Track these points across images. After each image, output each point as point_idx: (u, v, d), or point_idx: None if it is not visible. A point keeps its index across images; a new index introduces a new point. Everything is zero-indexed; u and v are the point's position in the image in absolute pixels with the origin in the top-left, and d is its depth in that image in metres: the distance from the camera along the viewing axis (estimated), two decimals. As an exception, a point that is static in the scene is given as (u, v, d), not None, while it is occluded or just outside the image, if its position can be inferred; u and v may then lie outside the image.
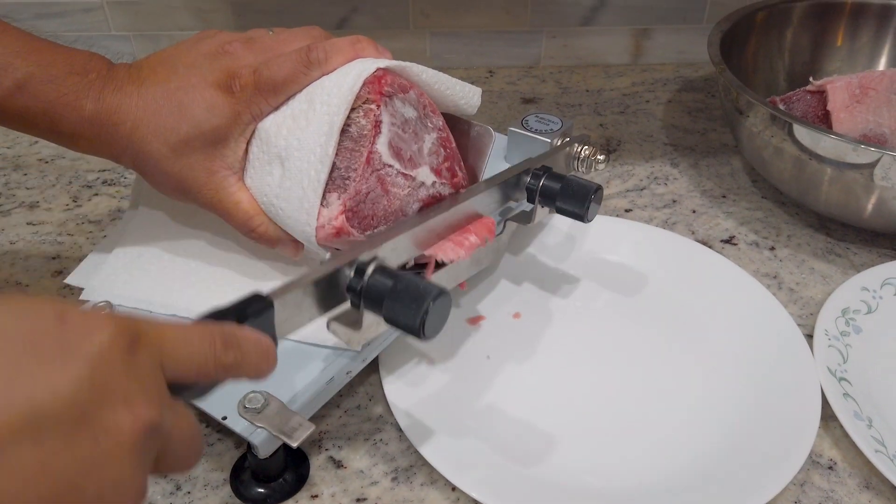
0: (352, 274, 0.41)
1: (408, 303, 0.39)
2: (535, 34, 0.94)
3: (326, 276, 0.39)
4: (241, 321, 0.34)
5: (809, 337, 0.57)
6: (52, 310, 0.25)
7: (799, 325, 0.58)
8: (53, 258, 0.66)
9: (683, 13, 0.94)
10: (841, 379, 0.54)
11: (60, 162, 0.79)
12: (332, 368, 0.48)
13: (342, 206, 0.43)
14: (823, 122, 0.71)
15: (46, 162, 0.79)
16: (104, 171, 0.77)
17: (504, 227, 0.57)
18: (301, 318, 0.39)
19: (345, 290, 0.41)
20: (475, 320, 0.59)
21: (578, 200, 0.52)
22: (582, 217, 0.53)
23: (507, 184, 0.52)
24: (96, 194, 0.74)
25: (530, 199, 0.54)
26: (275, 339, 0.37)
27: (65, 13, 0.90)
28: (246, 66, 0.44)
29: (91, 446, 0.24)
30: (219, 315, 0.34)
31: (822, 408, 0.51)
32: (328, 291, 0.40)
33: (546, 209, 0.55)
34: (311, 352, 0.48)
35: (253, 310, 0.35)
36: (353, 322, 0.42)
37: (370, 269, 0.40)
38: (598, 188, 0.53)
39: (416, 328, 0.39)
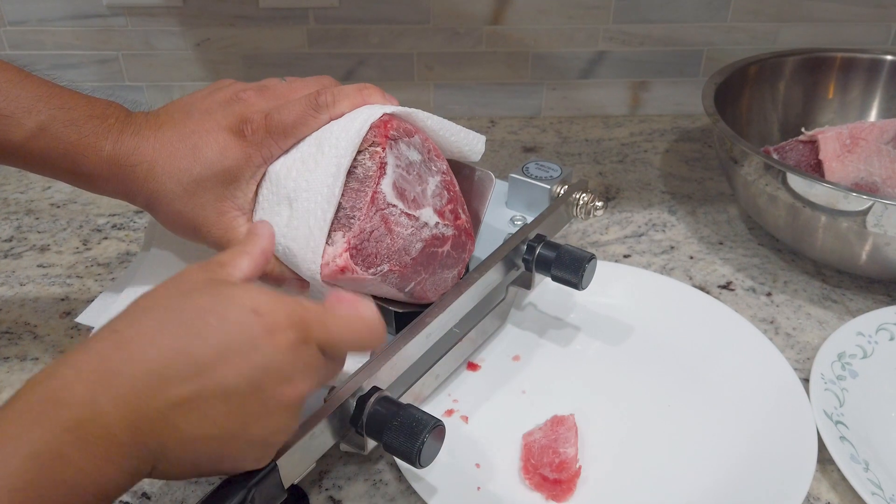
0: (353, 408, 0.45)
1: (405, 435, 0.43)
2: (535, 86, 0.97)
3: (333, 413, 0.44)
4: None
5: (806, 381, 0.58)
6: (249, 303, 0.36)
7: (795, 369, 0.59)
8: (62, 299, 0.68)
9: (680, 67, 0.97)
10: (837, 422, 0.54)
11: (72, 206, 0.81)
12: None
13: (346, 244, 0.44)
14: (816, 171, 0.73)
15: (58, 206, 0.81)
16: (114, 215, 0.79)
17: (507, 292, 0.59)
18: (315, 454, 0.44)
19: (348, 422, 0.46)
20: (474, 366, 0.60)
21: (573, 269, 0.56)
22: (576, 285, 0.56)
23: (508, 258, 0.56)
24: (106, 238, 0.76)
25: (527, 269, 0.58)
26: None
27: (81, 64, 0.93)
28: (258, 111, 0.46)
29: (260, 406, 0.36)
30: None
31: (819, 451, 0.52)
32: (334, 427, 0.45)
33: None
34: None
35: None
36: (359, 446, 0.47)
37: (371, 402, 0.45)
38: (592, 257, 0.56)
39: (413, 459, 0.43)
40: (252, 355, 0.35)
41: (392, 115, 0.47)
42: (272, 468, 0.40)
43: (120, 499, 0.51)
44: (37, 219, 0.79)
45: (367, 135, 0.45)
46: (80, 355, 0.34)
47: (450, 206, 0.50)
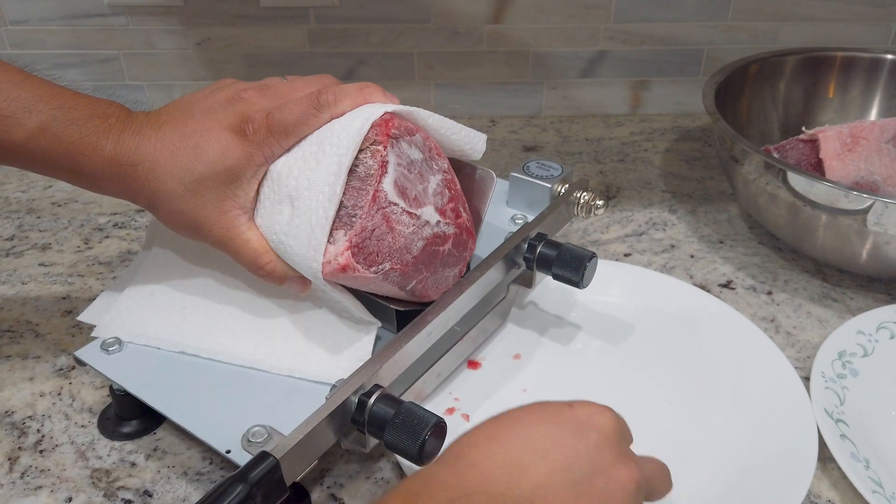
0: (355, 405, 0.45)
1: (407, 433, 0.43)
2: (536, 86, 0.97)
3: (335, 412, 0.44)
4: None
5: (806, 379, 0.58)
6: (563, 405, 0.39)
7: (796, 367, 0.59)
8: (64, 298, 0.68)
9: (680, 66, 0.97)
10: (838, 420, 0.54)
11: (73, 205, 0.81)
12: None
13: (348, 242, 0.44)
14: (816, 169, 0.73)
15: (59, 205, 0.81)
16: (115, 214, 0.79)
17: (508, 290, 0.59)
18: (317, 451, 0.44)
19: (349, 420, 0.46)
20: (475, 364, 0.60)
21: (574, 268, 0.56)
22: (577, 284, 0.56)
23: (508, 256, 0.56)
24: (107, 237, 0.76)
25: (528, 267, 0.58)
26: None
27: (82, 63, 0.93)
28: (259, 110, 0.46)
29: (603, 489, 0.36)
30: None
31: (820, 449, 0.52)
32: (336, 425, 0.45)
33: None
34: (310, 387, 0.49)
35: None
36: (361, 444, 0.47)
37: (372, 400, 0.45)
38: (593, 256, 0.56)
39: (415, 457, 0.43)
40: (586, 436, 0.38)
41: (393, 114, 0.47)
42: (274, 465, 0.40)
43: (122, 497, 0.51)
44: (38, 217, 0.79)
45: (368, 133, 0.45)
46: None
47: (451, 205, 0.50)
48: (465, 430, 0.39)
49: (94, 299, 0.56)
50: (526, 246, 0.57)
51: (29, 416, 0.57)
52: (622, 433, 0.40)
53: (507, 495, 0.34)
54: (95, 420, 0.56)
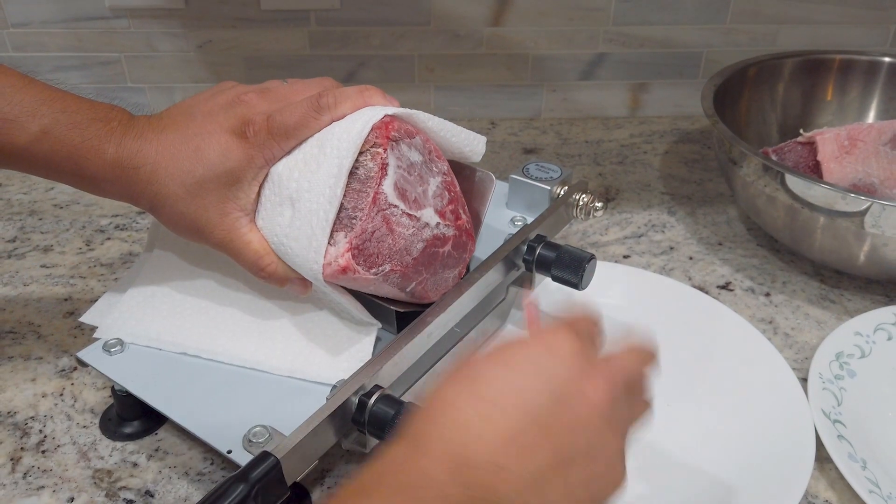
0: (355, 406, 0.46)
1: None
2: (535, 88, 0.98)
3: (335, 412, 0.45)
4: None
5: (804, 380, 0.58)
6: (518, 343, 0.37)
7: (794, 368, 0.59)
8: (65, 299, 0.68)
9: (679, 69, 0.97)
10: (835, 421, 0.55)
11: (74, 207, 0.81)
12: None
13: (348, 244, 0.45)
14: (814, 172, 0.73)
15: (61, 207, 0.81)
16: (117, 216, 0.80)
17: (507, 292, 0.60)
18: (317, 452, 0.45)
19: (350, 420, 0.46)
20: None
21: (573, 270, 0.56)
22: (576, 285, 0.56)
23: (508, 258, 0.56)
24: (108, 238, 0.77)
25: (528, 269, 0.59)
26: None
27: (83, 66, 0.93)
28: (260, 113, 0.46)
29: (571, 412, 0.35)
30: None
31: (817, 450, 0.52)
32: (336, 425, 0.45)
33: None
34: (310, 388, 0.49)
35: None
36: (361, 444, 0.47)
37: (372, 400, 0.45)
38: (592, 257, 0.56)
39: None
40: (551, 362, 0.36)
41: (393, 117, 0.47)
42: (275, 464, 0.41)
43: (124, 497, 0.51)
44: (40, 219, 0.80)
45: (368, 136, 0.45)
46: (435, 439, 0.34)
47: (451, 207, 0.50)
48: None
49: (95, 301, 0.56)
50: (525, 248, 0.58)
51: (31, 417, 0.57)
52: (585, 348, 0.38)
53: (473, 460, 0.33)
54: (97, 421, 0.57)
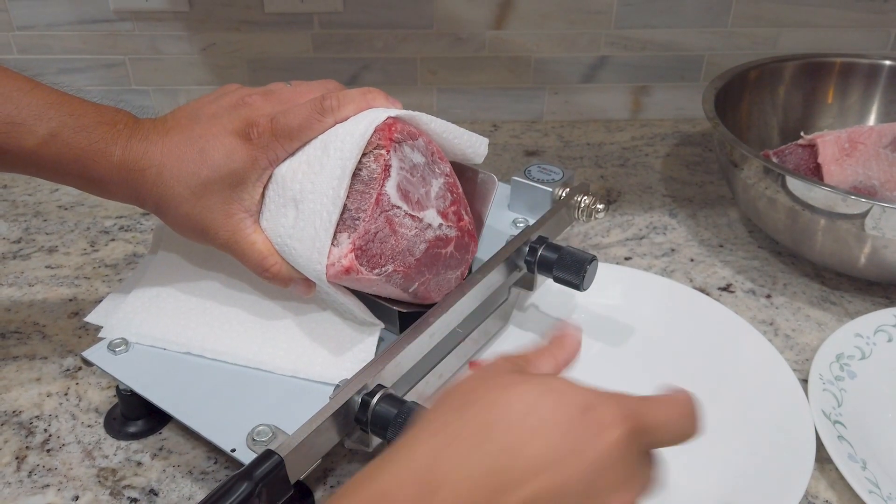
0: (358, 405, 0.46)
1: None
2: (537, 91, 0.98)
3: (337, 412, 0.45)
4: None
5: (805, 382, 0.59)
6: (581, 401, 0.34)
7: (794, 370, 0.59)
8: (70, 300, 0.69)
9: (681, 71, 0.97)
10: (836, 422, 0.55)
11: (79, 209, 0.82)
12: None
13: (351, 244, 0.45)
14: (815, 174, 0.74)
15: (66, 209, 0.82)
16: (121, 217, 0.80)
17: (509, 293, 0.60)
18: (320, 450, 0.45)
19: (353, 419, 0.46)
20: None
21: (574, 271, 0.56)
22: (578, 286, 0.57)
23: (510, 259, 0.57)
24: (113, 240, 0.77)
25: (529, 270, 0.59)
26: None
27: (88, 68, 0.94)
28: (264, 115, 0.47)
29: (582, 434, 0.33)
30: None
31: (818, 450, 0.52)
32: (339, 424, 0.46)
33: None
34: (314, 388, 0.50)
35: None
36: (364, 443, 0.48)
37: (375, 400, 0.45)
38: (593, 259, 0.56)
39: None
40: (585, 454, 0.33)
41: (396, 119, 0.47)
42: (279, 463, 0.41)
43: (128, 496, 0.51)
44: (45, 221, 0.80)
45: (371, 138, 0.46)
46: (406, 455, 0.33)
47: (453, 208, 0.51)
48: None
49: (100, 301, 0.57)
50: (527, 249, 0.58)
51: (36, 416, 0.57)
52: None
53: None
54: (102, 420, 0.57)
